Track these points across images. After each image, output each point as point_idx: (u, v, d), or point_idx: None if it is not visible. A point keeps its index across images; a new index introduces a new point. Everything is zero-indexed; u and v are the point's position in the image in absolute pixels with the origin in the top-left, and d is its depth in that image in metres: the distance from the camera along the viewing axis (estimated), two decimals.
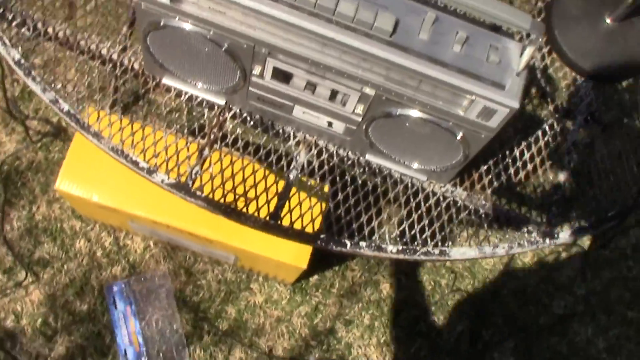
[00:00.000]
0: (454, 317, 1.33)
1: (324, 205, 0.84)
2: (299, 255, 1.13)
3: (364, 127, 0.70)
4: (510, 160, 0.80)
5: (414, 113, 0.63)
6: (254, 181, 0.77)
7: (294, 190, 0.76)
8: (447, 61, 0.58)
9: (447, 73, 0.57)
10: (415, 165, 0.74)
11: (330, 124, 0.73)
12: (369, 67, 0.60)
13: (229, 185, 0.76)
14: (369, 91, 0.63)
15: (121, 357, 1.27)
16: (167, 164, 0.74)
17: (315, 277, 1.35)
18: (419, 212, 0.76)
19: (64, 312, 1.30)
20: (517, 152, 0.80)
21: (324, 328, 1.31)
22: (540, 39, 0.55)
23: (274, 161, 0.76)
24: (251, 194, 0.76)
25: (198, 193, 0.73)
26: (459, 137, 0.64)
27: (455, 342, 1.32)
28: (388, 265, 1.37)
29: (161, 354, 1.28)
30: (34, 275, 1.31)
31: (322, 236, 0.73)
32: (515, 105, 0.58)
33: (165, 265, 1.34)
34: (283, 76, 0.66)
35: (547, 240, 0.77)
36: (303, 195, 0.77)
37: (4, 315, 1.29)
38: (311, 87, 0.66)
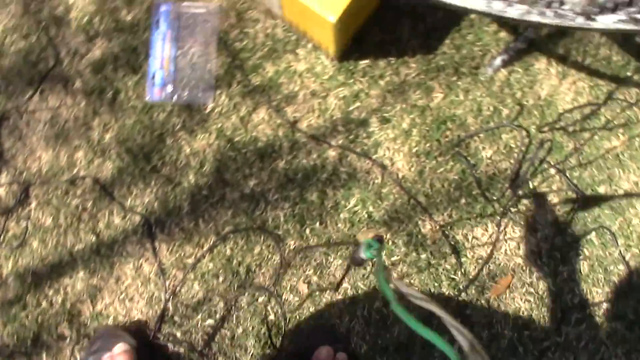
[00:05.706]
0: (501, 152, 1.16)
1: None
2: (332, 6, 1.03)
3: None
4: None
5: None
6: None
7: None
8: None
9: None
10: None
11: None
12: None
13: None
14: None
15: (149, 78, 1.23)
16: None
17: (366, 62, 1.21)
18: None
19: (110, 18, 1.26)
20: None
21: (358, 118, 1.19)
22: None
23: None
24: None
25: None
26: None
27: (492, 175, 1.15)
28: (450, 73, 1.20)
29: (187, 88, 1.22)
30: None
31: None
32: None
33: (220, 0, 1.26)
34: None
35: None
36: None
37: (57, 3, 1.28)
38: None
